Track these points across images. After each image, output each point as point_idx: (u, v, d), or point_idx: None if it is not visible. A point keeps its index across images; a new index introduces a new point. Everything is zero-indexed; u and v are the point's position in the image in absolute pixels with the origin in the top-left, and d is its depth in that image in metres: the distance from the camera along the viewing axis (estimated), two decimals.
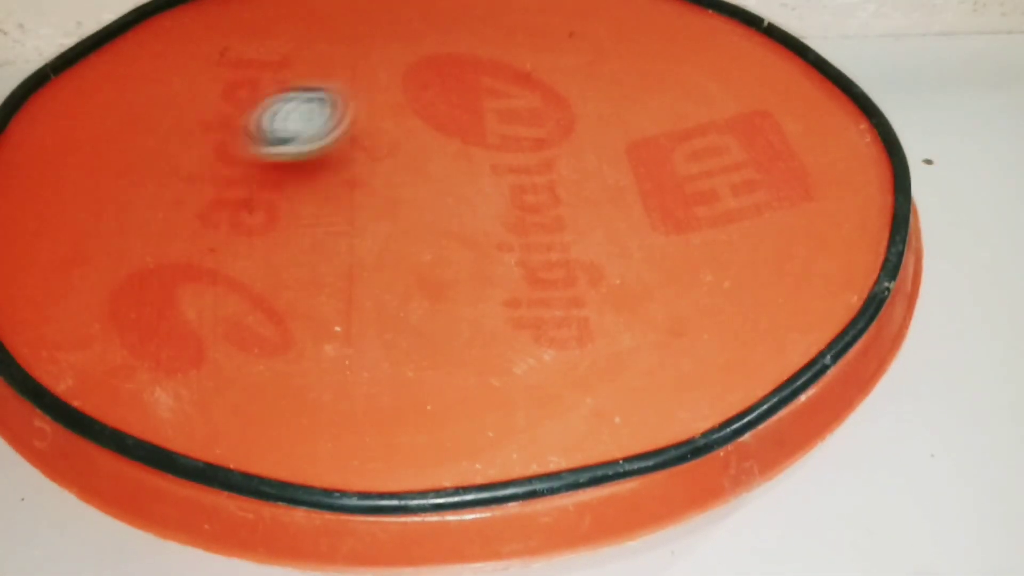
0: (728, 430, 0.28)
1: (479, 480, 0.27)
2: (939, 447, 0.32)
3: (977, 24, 0.48)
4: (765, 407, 0.29)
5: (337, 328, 0.31)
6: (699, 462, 0.28)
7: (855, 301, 0.31)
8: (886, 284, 0.32)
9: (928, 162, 0.41)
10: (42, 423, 0.29)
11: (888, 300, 0.32)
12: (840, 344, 0.30)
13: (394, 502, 0.27)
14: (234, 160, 0.35)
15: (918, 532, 0.30)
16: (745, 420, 0.29)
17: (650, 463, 0.28)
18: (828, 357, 0.30)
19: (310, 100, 0.35)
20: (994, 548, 0.30)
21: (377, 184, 0.35)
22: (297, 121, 0.34)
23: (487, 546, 0.27)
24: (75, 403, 0.28)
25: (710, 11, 0.42)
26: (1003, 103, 0.45)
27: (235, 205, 0.34)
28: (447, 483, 0.27)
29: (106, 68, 0.38)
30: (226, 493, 0.27)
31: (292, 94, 0.35)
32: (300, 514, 0.27)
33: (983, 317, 0.36)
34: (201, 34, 0.40)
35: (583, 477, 0.27)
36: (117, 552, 0.29)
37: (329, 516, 0.27)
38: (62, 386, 0.29)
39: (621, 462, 0.28)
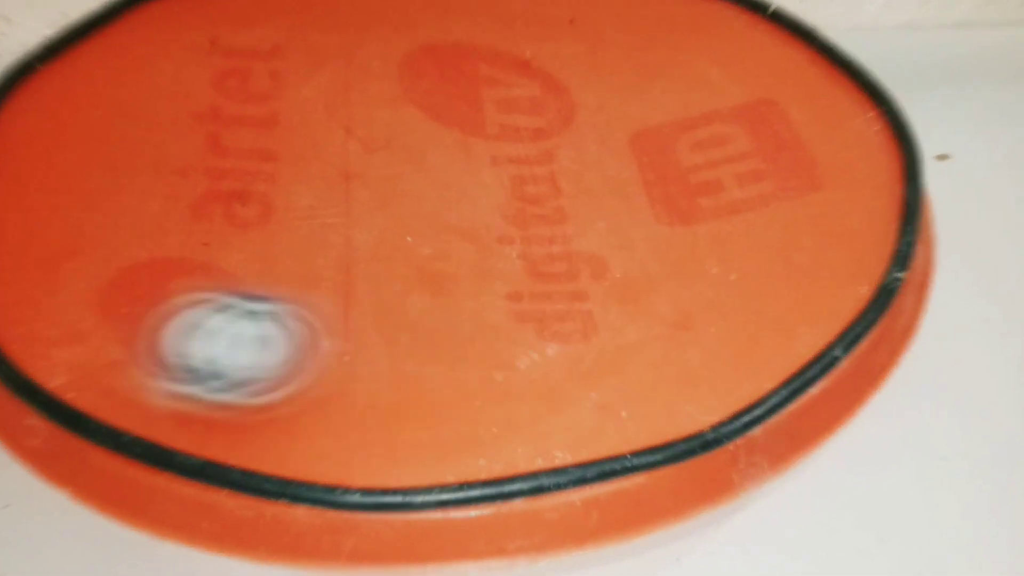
0: (737, 424, 0.30)
1: (483, 476, 0.28)
2: (951, 447, 0.34)
3: (993, 15, 0.50)
4: (775, 400, 0.30)
5: (334, 323, 0.32)
6: (708, 456, 0.29)
7: (865, 292, 0.33)
8: (897, 274, 0.33)
9: (943, 157, 0.43)
10: (35, 421, 0.30)
11: (899, 291, 0.33)
12: (850, 336, 0.32)
13: (397, 499, 0.28)
14: (227, 151, 0.36)
15: (928, 538, 0.31)
16: (754, 414, 0.30)
17: (658, 457, 0.29)
18: (838, 349, 0.31)
19: (248, 315, 0.24)
20: (1003, 554, 0.31)
21: (373, 176, 0.36)
22: (231, 347, 0.24)
23: (492, 543, 0.28)
24: (69, 400, 0.29)
25: None
26: (1020, 96, 0.47)
27: (228, 197, 0.35)
28: (451, 479, 0.28)
29: (93, 58, 0.39)
30: (225, 491, 0.28)
31: (219, 299, 0.24)
32: (302, 512, 0.28)
33: (998, 312, 0.38)
34: (190, 22, 0.41)
35: (590, 472, 0.28)
36: (113, 553, 0.30)
37: (331, 514, 0.28)
38: (55, 382, 0.30)
39: (628, 457, 0.29)
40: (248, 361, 0.24)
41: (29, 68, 0.38)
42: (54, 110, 0.38)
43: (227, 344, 0.24)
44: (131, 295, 0.32)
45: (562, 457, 0.29)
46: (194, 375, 0.24)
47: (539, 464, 0.29)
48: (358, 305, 0.32)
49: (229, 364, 0.24)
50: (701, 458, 0.29)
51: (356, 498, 0.28)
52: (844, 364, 0.31)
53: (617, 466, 0.29)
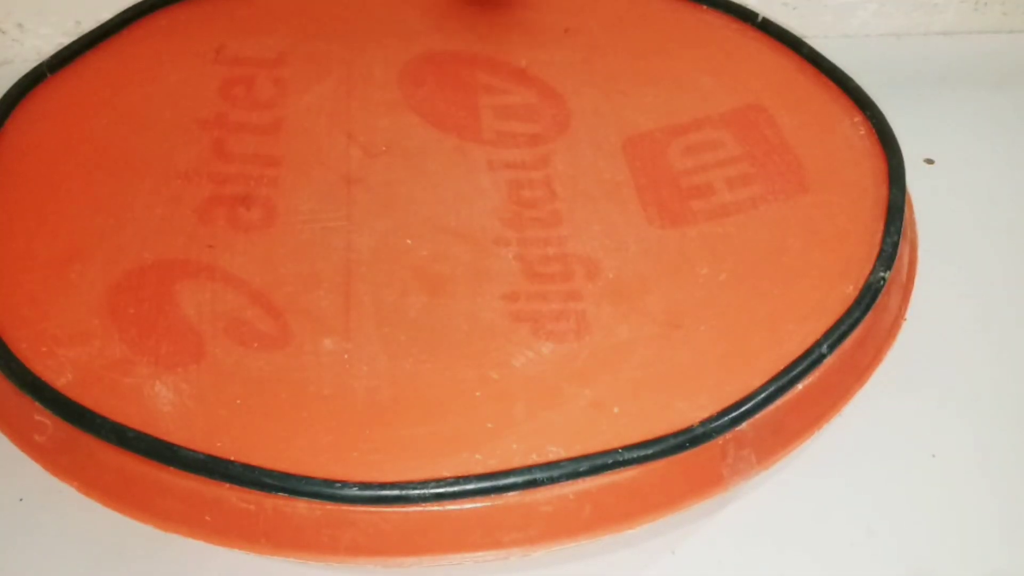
0: (725, 419, 0.30)
1: (479, 470, 0.28)
2: (935, 440, 0.34)
3: (978, 23, 0.50)
4: (762, 396, 0.30)
5: (336, 322, 0.32)
6: (697, 451, 0.29)
7: (851, 291, 0.33)
8: (881, 274, 0.33)
9: (929, 161, 0.43)
10: (42, 417, 0.30)
11: (884, 290, 0.33)
12: (836, 333, 0.32)
13: (395, 492, 0.28)
14: (231, 156, 0.37)
15: (916, 528, 0.32)
16: (742, 409, 0.30)
17: (649, 452, 0.29)
18: (824, 346, 0.31)
19: None
20: (994, 548, 0.31)
21: (374, 180, 0.37)
22: None
23: (488, 534, 0.29)
24: (75, 397, 0.29)
25: (704, 7, 0.44)
26: (1004, 102, 0.47)
27: (232, 201, 0.35)
28: (447, 473, 0.28)
29: (102, 66, 0.40)
30: (227, 485, 0.28)
31: None
32: (302, 505, 0.28)
33: (980, 310, 0.38)
34: (197, 32, 0.41)
35: (583, 466, 0.28)
36: (119, 545, 0.30)
37: (331, 507, 0.28)
38: (62, 380, 0.30)
39: (620, 451, 0.29)
40: None
41: (39, 76, 0.39)
42: (64, 116, 0.38)
43: None
44: (137, 296, 0.32)
45: (556, 452, 0.29)
46: None
47: (533, 458, 0.29)
48: (358, 305, 0.33)
49: None
50: (690, 452, 0.29)
51: (354, 492, 0.28)
52: (830, 361, 0.32)
53: (609, 460, 0.29)
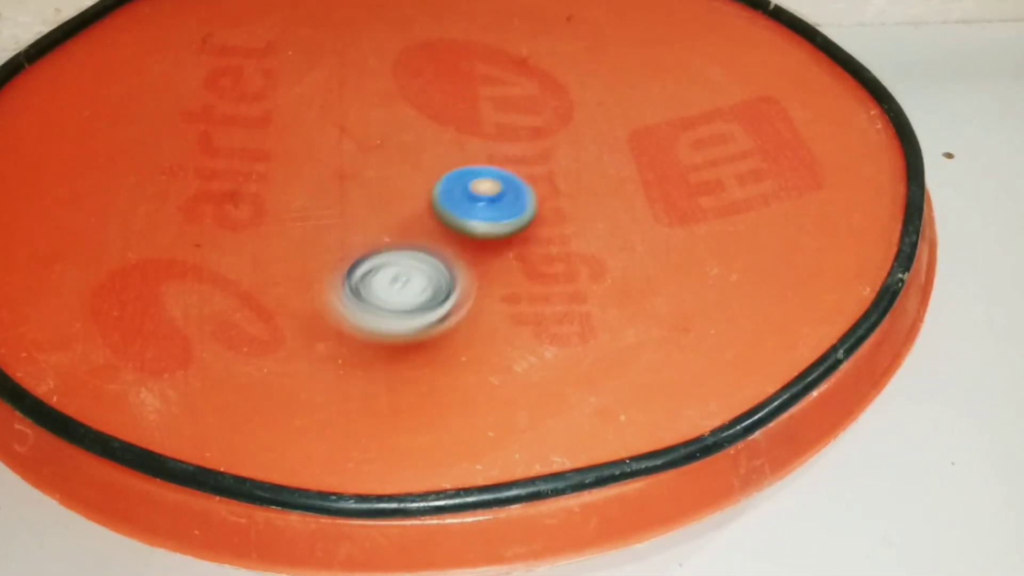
0: (738, 428, 0.30)
1: (480, 481, 0.28)
2: (954, 448, 0.33)
3: (999, 11, 0.50)
4: (776, 404, 0.30)
5: (329, 326, 0.31)
6: (708, 461, 0.29)
7: (868, 293, 0.33)
8: (899, 275, 0.33)
9: (948, 155, 0.43)
10: (22, 426, 0.30)
11: (902, 292, 0.33)
12: (853, 338, 0.32)
13: (392, 505, 0.28)
14: (218, 151, 0.37)
15: (934, 540, 0.31)
16: (755, 417, 0.30)
17: (658, 462, 0.29)
18: (840, 351, 0.31)
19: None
20: (1014, 559, 0.31)
21: (368, 175, 0.36)
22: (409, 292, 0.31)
23: (489, 549, 0.28)
24: (57, 405, 0.29)
25: None
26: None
27: (220, 198, 0.35)
28: (447, 485, 0.28)
29: (83, 56, 0.40)
30: (217, 497, 0.28)
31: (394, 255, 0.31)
32: (295, 519, 0.28)
33: (1002, 312, 0.37)
34: (182, 20, 0.41)
35: (588, 477, 0.28)
36: (103, 561, 0.30)
37: (325, 520, 0.28)
38: (43, 387, 0.30)
39: (628, 461, 0.29)
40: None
41: (17, 67, 0.39)
42: (43, 109, 0.38)
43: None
44: (120, 298, 0.32)
45: (560, 462, 0.29)
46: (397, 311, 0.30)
47: (537, 469, 0.29)
48: None
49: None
50: (701, 463, 0.29)
51: (350, 504, 0.28)
52: (846, 367, 0.31)
53: (616, 471, 0.29)
